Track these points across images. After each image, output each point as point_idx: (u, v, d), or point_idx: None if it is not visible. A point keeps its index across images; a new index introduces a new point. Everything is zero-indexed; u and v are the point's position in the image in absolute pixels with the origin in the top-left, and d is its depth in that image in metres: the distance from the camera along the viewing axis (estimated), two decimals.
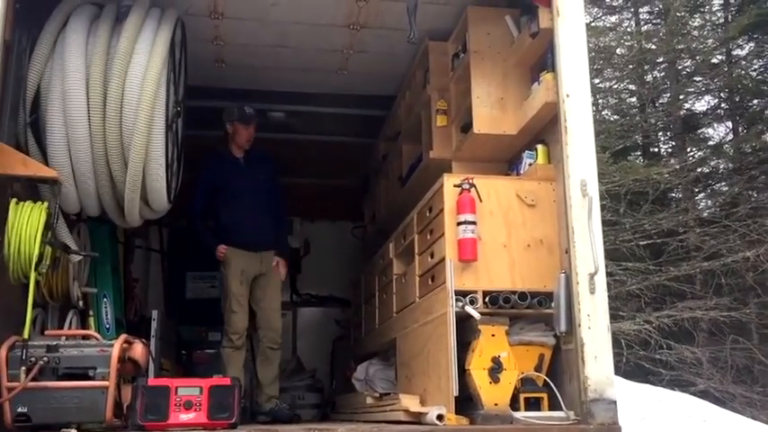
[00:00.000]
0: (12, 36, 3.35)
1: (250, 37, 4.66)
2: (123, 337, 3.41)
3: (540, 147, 3.85)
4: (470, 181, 3.64)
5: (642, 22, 18.14)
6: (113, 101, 3.45)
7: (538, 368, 3.57)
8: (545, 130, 3.86)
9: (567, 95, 3.47)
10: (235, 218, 5.07)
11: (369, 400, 4.63)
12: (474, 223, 3.56)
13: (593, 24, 17.52)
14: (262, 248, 5.14)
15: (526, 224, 3.68)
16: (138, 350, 3.49)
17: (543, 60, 3.83)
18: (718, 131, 17.92)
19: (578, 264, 3.29)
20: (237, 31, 4.56)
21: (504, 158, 4.25)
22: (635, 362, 13.05)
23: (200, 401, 3.19)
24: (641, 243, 13.97)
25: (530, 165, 3.90)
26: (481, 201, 3.63)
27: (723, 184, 16.88)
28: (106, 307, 4.37)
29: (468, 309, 3.48)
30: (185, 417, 3.16)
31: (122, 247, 5.15)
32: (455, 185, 3.67)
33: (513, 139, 4.04)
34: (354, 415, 4.92)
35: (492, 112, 4.05)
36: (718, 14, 17.52)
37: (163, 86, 3.56)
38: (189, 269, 6.90)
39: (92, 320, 4.18)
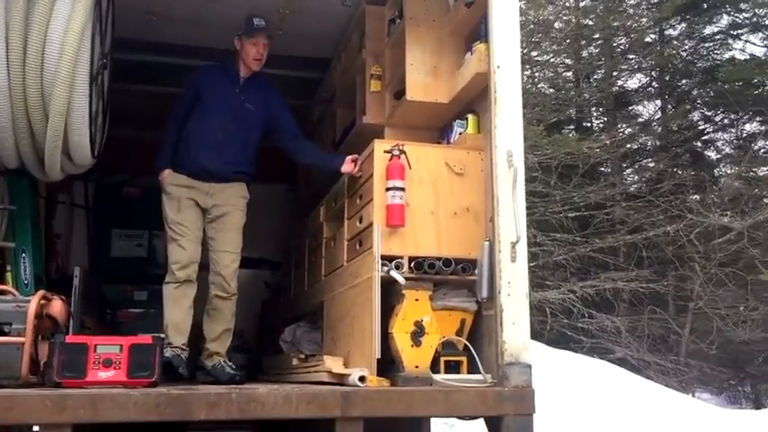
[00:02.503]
0: None
1: None
2: (41, 293, 3.34)
3: (470, 116, 3.90)
4: (401, 147, 3.66)
5: None
6: (34, 50, 3.31)
7: (459, 332, 3.67)
8: (476, 99, 3.90)
9: (498, 67, 3.50)
10: (197, 137, 4.41)
11: (294, 362, 4.67)
12: (402, 189, 3.59)
13: None
14: (213, 179, 4.41)
15: (454, 192, 3.74)
16: (56, 307, 3.43)
17: (477, 30, 3.86)
18: (647, 109, 18.48)
19: (501, 232, 3.37)
20: None
21: (436, 126, 4.29)
22: (558, 329, 13.52)
23: (120, 359, 3.15)
24: (570, 215, 14.39)
25: (460, 134, 3.95)
26: (411, 168, 3.66)
27: (650, 160, 17.47)
28: (25, 263, 4.24)
29: (394, 273, 3.53)
30: (104, 374, 3.11)
31: (44, 201, 4.99)
32: (385, 151, 3.69)
33: (445, 107, 4.08)
34: (281, 376, 4.95)
35: (425, 80, 4.07)
36: None
37: (87, 37, 3.44)
38: (115, 227, 6.76)
39: (9, 276, 4.07)
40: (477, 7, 3.74)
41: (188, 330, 4.32)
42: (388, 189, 3.61)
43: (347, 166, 4.19)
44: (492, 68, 3.52)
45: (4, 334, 3.15)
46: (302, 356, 4.70)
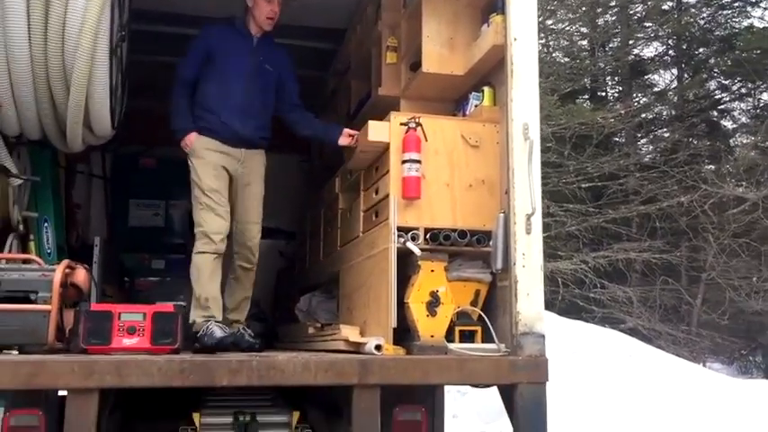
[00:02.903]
0: None
1: None
2: (66, 262, 3.43)
3: (486, 89, 3.91)
4: (417, 120, 3.68)
5: None
6: (55, 23, 3.35)
7: (474, 303, 3.72)
8: (492, 72, 3.91)
9: (515, 39, 3.51)
10: (220, 101, 4.20)
11: (310, 330, 4.75)
12: (419, 162, 3.63)
13: None
14: (244, 145, 4.27)
15: (469, 164, 3.76)
16: (80, 275, 3.53)
17: (494, 2, 3.84)
18: (663, 78, 18.31)
19: (516, 205, 3.40)
20: None
21: (452, 98, 4.30)
22: (570, 299, 13.59)
23: (144, 327, 3.25)
24: (583, 186, 14.38)
25: (476, 106, 3.97)
26: (427, 140, 3.69)
27: (665, 130, 17.35)
28: (47, 232, 4.34)
29: (410, 245, 3.58)
30: (128, 341, 3.22)
31: (64, 171, 5.07)
32: (402, 124, 3.71)
33: (461, 79, 4.08)
34: (296, 344, 5.04)
35: (441, 52, 4.06)
36: None
37: (107, 10, 3.47)
38: (132, 196, 6.86)
39: (32, 245, 4.17)
40: None
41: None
42: (404, 161, 3.64)
43: (344, 139, 4.25)
44: (509, 41, 3.53)
45: (31, 302, 3.24)
46: (318, 325, 4.78)
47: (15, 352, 3.11)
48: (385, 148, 3.81)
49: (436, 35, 4.08)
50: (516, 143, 3.43)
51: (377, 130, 3.83)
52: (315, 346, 4.48)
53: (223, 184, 4.18)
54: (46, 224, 4.31)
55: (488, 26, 3.79)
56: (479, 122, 3.85)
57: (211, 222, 4.08)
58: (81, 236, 5.55)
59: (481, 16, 4.06)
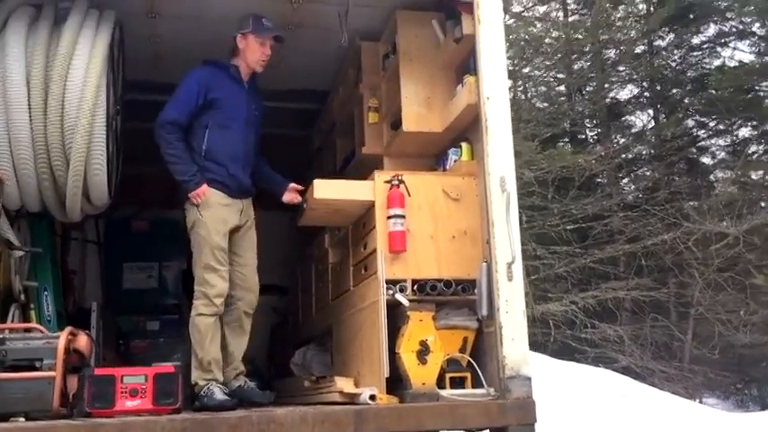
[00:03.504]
0: None
1: (186, 34, 4.73)
2: (69, 329, 3.55)
3: (464, 144, 4.13)
4: (399, 177, 3.89)
5: (570, 13, 18.76)
6: (54, 103, 3.57)
7: (462, 350, 3.87)
8: (468, 128, 4.13)
9: (488, 98, 3.75)
10: (226, 152, 4.08)
11: (306, 384, 4.85)
12: (403, 216, 3.82)
13: (523, 14, 18.06)
14: (244, 195, 4.23)
15: (451, 217, 3.96)
16: (82, 341, 3.64)
17: (467, 63, 4.10)
18: (640, 119, 18.76)
19: (497, 253, 3.59)
20: (174, 28, 4.65)
21: (432, 153, 4.52)
22: (562, 341, 13.68)
23: (146, 389, 3.36)
24: (568, 227, 14.61)
25: (455, 161, 4.18)
26: (410, 195, 3.89)
27: (645, 169, 17.70)
28: (47, 300, 4.46)
29: (398, 296, 3.75)
30: (131, 403, 3.33)
31: (59, 239, 5.22)
32: (385, 181, 3.92)
33: (440, 136, 4.31)
34: (293, 398, 5.13)
35: (420, 111, 4.31)
36: (641, 6, 18.27)
37: (103, 87, 3.69)
38: (125, 260, 6.98)
39: (33, 313, 4.28)
40: (466, 43, 3.99)
41: None
42: (389, 217, 3.83)
43: (288, 195, 4.40)
44: (482, 100, 3.77)
45: (36, 369, 3.35)
46: (313, 378, 4.88)
47: (22, 419, 3.20)
48: (358, 206, 4.07)
49: (414, 96, 4.32)
50: (494, 196, 3.64)
51: (322, 189, 4.06)
52: (311, 399, 4.58)
53: (226, 242, 4.10)
54: (45, 292, 4.44)
55: (462, 86, 4.03)
56: (459, 176, 4.06)
57: (215, 283, 4.00)
58: (77, 301, 5.66)
59: (455, 76, 4.31)
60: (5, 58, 3.57)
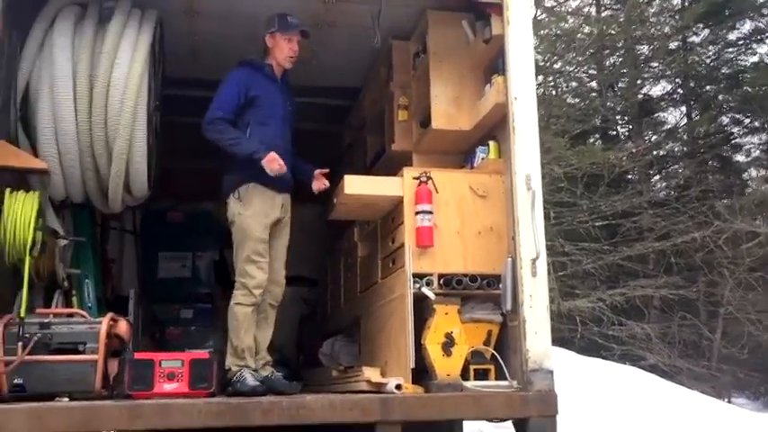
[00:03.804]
0: (2, 36, 3.61)
1: (222, 31, 4.88)
2: (110, 315, 3.74)
3: (491, 143, 4.23)
4: (428, 174, 4.01)
5: (603, 8, 18.63)
6: (99, 98, 3.74)
7: (486, 343, 3.98)
8: (496, 127, 4.23)
9: (516, 98, 3.84)
10: (266, 146, 4.10)
11: (334, 373, 5.00)
12: (431, 212, 3.94)
13: (555, 9, 17.99)
14: (285, 190, 4.31)
15: (478, 213, 4.07)
16: (122, 327, 3.83)
17: (495, 64, 4.20)
18: (673, 116, 18.59)
19: (522, 250, 3.70)
20: (211, 26, 4.80)
21: (460, 151, 4.62)
22: (589, 338, 13.67)
23: (182, 373, 3.54)
24: (597, 224, 14.55)
25: (482, 159, 4.28)
26: (438, 192, 4.00)
27: (677, 167, 17.55)
28: (88, 287, 4.65)
29: (425, 290, 3.87)
30: (168, 387, 3.51)
31: (99, 229, 5.42)
32: (414, 178, 4.04)
33: (468, 134, 4.42)
34: (322, 387, 5.28)
35: (449, 110, 4.41)
36: (675, 1, 18.07)
37: (145, 84, 3.86)
38: (161, 249, 7.19)
39: (75, 299, 4.48)
40: (495, 43, 4.09)
41: None
42: (417, 213, 3.96)
43: (316, 184, 4.45)
44: (510, 100, 3.87)
45: (80, 352, 3.54)
46: (341, 368, 5.03)
47: (66, 399, 3.38)
48: (383, 202, 4.21)
49: (443, 95, 4.43)
50: (520, 193, 3.74)
51: (353, 184, 4.19)
52: (339, 387, 4.72)
53: (267, 235, 4.18)
54: (87, 280, 4.62)
55: (491, 86, 4.13)
56: (486, 174, 4.16)
57: (255, 274, 4.08)
58: (115, 289, 5.87)
59: (483, 77, 4.40)
60: (53, 56, 3.75)
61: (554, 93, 17.92)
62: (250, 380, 3.95)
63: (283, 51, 4.31)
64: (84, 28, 3.87)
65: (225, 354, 4.25)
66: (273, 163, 4.02)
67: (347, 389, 4.47)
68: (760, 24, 17.30)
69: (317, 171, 4.45)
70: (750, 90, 16.53)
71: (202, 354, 3.67)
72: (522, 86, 3.86)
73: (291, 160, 4.38)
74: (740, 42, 17.63)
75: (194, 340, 6.59)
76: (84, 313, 3.88)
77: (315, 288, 7.28)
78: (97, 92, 3.74)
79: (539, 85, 15.84)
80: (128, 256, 7.04)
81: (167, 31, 4.56)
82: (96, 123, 3.78)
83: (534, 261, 3.67)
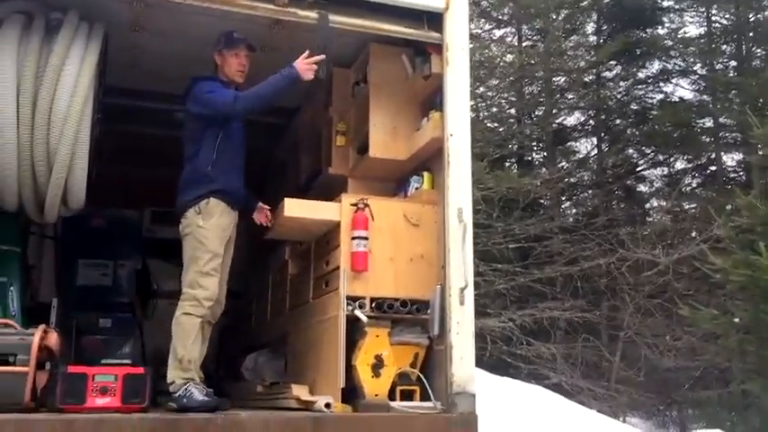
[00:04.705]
0: None
1: (166, 48, 4.91)
2: (42, 326, 3.71)
3: (426, 174, 4.45)
4: (365, 201, 4.18)
5: (524, 38, 19.40)
6: (42, 112, 3.71)
7: (413, 365, 4.18)
8: (431, 159, 4.45)
9: (451, 134, 4.08)
10: (228, 162, 4.22)
11: (259, 389, 5.08)
12: (366, 238, 4.12)
13: (481, 36, 18.59)
14: (239, 208, 4.38)
15: (410, 241, 4.27)
16: (53, 339, 3.81)
17: (433, 99, 4.43)
18: (584, 146, 19.52)
19: (452, 278, 3.92)
20: (155, 42, 4.82)
21: (394, 179, 4.82)
22: (497, 356, 14.13)
23: (115, 387, 3.56)
24: (511, 246, 15.10)
25: (416, 188, 4.49)
26: (373, 219, 4.18)
27: (586, 195, 18.43)
28: (12, 295, 4.56)
29: (358, 313, 4.04)
30: (101, 401, 3.52)
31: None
32: (351, 204, 4.20)
33: (403, 163, 4.62)
34: (244, 402, 5.33)
35: (386, 139, 4.60)
36: (591, 38, 19.06)
37: (90, 99, 3.86)
38: (81, 256, 7.05)
39: None
40: (433, 80, 4.32)
41: None
42: (353, 238, 4.12)
43: (258, 216, 4.68)
44: (446, 136, 4.10)
45: (10, 364, 3.51)
46: (266, 384, 5.11)
47: None
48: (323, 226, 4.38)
49: (381, 124, 4.61)
50: (452, 225, 3.97)
51: (292, 207, 4.35)
52: (264, 404, 4.80)
53: (223, 251, 4.21)
54: (11, 288, 4.54)
55: (428, 120, 4.35)
56: (419, 203, 4.37)
57: (208, 288, 4.08)
58: (35, 296, 5.74)
59: (421, 109, 4.62)
60: None
61: (474, 116, 18.48)
62: (197, 394, 3.90)
63: (232, 66, 4.41)
64: (30, 38, 3.84)
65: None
66: (304, 65, 4.12)
67: (273, 405, 4.56)
68: (668, 65, 18.47)
69: (261, 205, 4.61)
70: (656, 126, 17.60)
71: (137, 369, 3.69)
72: (457, 124, 4.10)
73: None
74: (649, 80, 18.76)
75: (113, 350, 6.52)
76: (15, 324, 3.84)
77: (236, 301, 7.30)
78: (41, 104, 3.71)
79: None
80: (46, 262, 6.87)
81: (110, 42, 4.56)
82: (38, 136, 3.74)
83: (463, 290, 3.90)
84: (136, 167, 7.03)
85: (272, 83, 4.16)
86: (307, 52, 4.16)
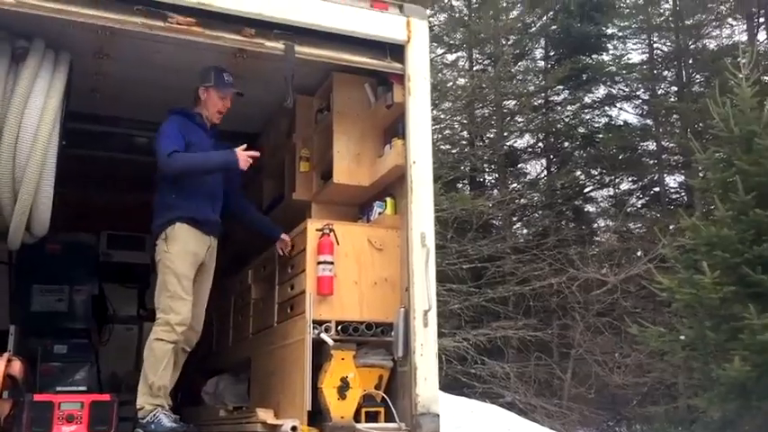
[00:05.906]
0: None
1: (128, 74, 4.93)
2: (6, 354, 3.69)
3: (389, 199, 4.56)
4: (330, 227, 4.28)
5: (476, 63, 19.85)
6: (9, 138, 3.71)
7: (378, 387, 4.26)
8: (393, 185, 4.57)
9: (414, 162, 4.22)
10: (199, 189, 4.34)
11: (222, 413, 5.08)
12: (332, 263, 4.20)
13: (433, 60, 18.94)
14: (213, 233, 4.44)
15: (375, 265, 4.37)
16: (16, 367, 3.80)
17: (395, 127, 4.56)
18: (534, 168, 20.03)
19: (415, 301, 4.03)
20: (118, 69, 4.85)
21: (358, 204, 4.92)
22: (453, 375, 14.29)
23: (81, 415, 3.57)
24: (464, 266, 15.34)
25: (379, 213, 4.61)
26: (338, 244, 4.27)
27: (536, 215, 18.86)
28: None
29: (324, 336, 4.11)
30: (67, 429, 3.53)
31: None
32: (317, 230, 4.29)
33: (366, 189, 4.73)
34: (205, 427, 5.32)
35: (350, 165, 4.71)
36: (540, 63, 19.63)
37: (57, 128, 3.87)
38: (36, 281, 6.94)
39: None
40: (395, 109, 4.46)
41: None
42: (319, 263, 4.20)
43: (281, 246, 4.68)
44: (408, 163, 4.23)
45: None
46: (229, 408, 5.12)
47: None
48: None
49: (345, 151, 4.72)
50: (415, 249, 4.09)
51: None
52: (228, 428, 4.82)
53: (193, 273, 4.26)
54: None
55: (391, 147, 4.48)
56: (383, 228, 4.49)
57: (179, 312, 4.11)
58: None
59: (384, 136, 4.75)
60: None
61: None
62: (166, 421, 3.92)
63: (216, 106, 4.52)
64: None
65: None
66: (244, 155, 4.30)
67: (239, 430, 4.58)
68: (612, 90, 19.12)
69: (284, 237, 4.66)
70: (602, 149, 18.17)
71: (103, 396, 3.70)
72: (420, 151, 4.24)
73: (244, 209, 4.83)
74: (595, 105, 19.40)
75: (68, 376, 6.42)
76: None
77: None
78: (7, 134, 3.72)
79: None
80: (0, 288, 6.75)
81: (73, 68, 4.58)
82: (4, 164, 3.73)
83: (426, 312, 4.01)
84: (92, 191, 6.97)
85: (212, 158, 4.38)
86: (245, 145, 4.41)
